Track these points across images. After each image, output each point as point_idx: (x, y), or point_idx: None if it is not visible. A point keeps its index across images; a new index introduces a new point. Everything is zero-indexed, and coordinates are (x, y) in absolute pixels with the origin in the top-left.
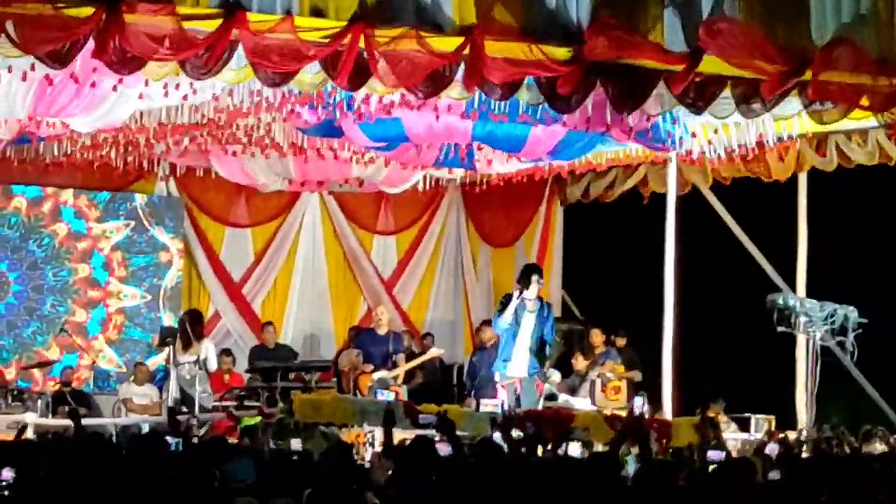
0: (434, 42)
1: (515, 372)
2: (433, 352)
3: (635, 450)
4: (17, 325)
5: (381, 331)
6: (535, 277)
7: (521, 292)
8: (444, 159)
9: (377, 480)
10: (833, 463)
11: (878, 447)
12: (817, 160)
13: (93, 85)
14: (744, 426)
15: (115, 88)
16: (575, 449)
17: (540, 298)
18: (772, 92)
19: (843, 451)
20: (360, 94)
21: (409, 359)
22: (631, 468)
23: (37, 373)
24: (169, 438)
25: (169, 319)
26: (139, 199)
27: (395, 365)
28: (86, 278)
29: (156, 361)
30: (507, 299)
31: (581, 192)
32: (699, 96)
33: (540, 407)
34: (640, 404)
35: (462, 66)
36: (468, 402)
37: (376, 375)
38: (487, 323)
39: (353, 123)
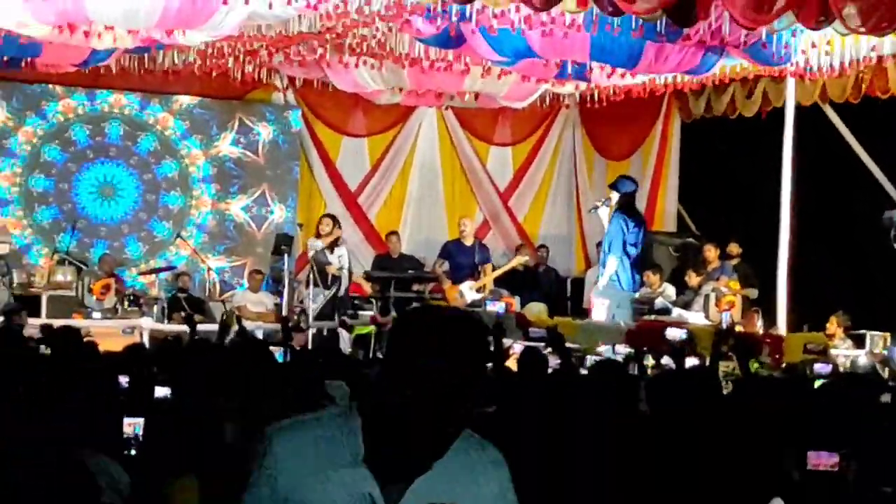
0: None
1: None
2: (517, 259)
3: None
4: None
5: (468, 241)
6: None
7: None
8: (562, 73)
9: None
10: None
11: None
12: None
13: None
14: (859, 342)
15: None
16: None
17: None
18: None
19: None
20: (476, 5)
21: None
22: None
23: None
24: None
25: (280, 212)
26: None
27: (481, 274)
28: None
29: None
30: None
31: (703, 107)
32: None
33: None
34: (727, 319)
35: None
36: None
37: (463, 286)
38: None
39: (477, 35)
